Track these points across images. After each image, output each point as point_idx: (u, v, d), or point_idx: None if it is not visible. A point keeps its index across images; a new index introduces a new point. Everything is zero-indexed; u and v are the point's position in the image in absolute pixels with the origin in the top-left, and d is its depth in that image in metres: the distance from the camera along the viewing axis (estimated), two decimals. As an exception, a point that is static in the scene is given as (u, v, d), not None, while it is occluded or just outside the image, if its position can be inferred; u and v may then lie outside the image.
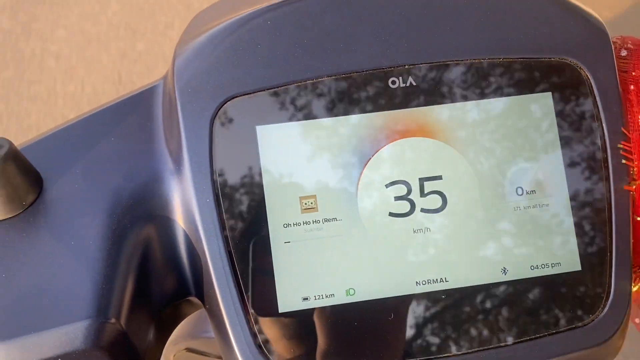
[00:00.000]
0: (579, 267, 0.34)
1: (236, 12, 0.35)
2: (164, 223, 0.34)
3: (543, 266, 0.34)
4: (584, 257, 0.34)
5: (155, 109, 0.36)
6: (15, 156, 0.31)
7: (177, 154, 0.34)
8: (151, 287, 0.34)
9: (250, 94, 0.34)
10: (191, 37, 0.35)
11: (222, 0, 0.40)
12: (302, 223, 0.33)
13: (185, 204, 0.33)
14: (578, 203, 0.35)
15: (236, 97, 0.34)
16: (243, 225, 0.33)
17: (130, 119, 0.36)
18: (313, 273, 0.33)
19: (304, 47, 0.34)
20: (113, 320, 0.31)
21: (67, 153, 0.34)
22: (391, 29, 0.35)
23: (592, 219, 0.35)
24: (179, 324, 0.39)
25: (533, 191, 0.35)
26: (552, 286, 0.34)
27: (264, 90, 0.34)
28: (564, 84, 0.35)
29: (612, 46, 0.38)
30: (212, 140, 0.33)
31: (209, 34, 0.34)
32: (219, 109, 0.33)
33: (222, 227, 0.33)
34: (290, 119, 0.34)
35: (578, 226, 0.35)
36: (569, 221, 0.35)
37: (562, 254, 0.34)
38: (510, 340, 0.33)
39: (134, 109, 0.36)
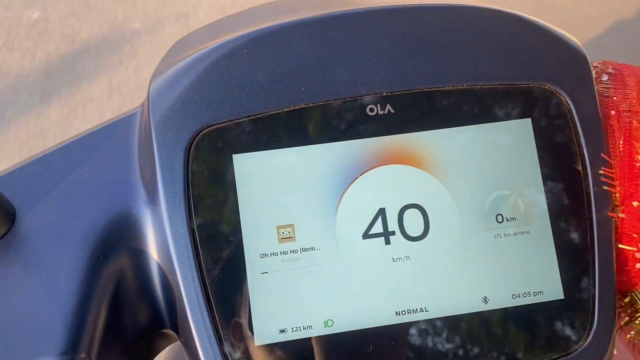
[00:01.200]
0: (561, 296, 0.34)
1: (211, 41, 0.35)
2: (138, 255, 0.33)
3: (525, 295, 0.34)
4: (566, 285, 0.34)
5: (131, 138, 0.36)
6: None
7: (152, 184, 0.33)
8: (124, 320, 0.33)
9: (226, 122, 0.33)
10: (166, 67, 0.35)
11: (200, 29, 0.40)
12: (279, 253, 0.33)
13: (160, 236, 0.33)
14: (560, 230, 0.34)
15: (212, 126, 0.33)
16: (219, 256, 0.32)
17: (105, 148, 0.35)
18: (290, 304, 0.33)
19: (279, 75, 0.34)
20: (83, 355, 0.30)
21: (41, 183, 0.34)
22: (368, 56, 0.35)
23: (574, 246, 0.34)
24: (153, 358, 0.38)
25: (513, 218, 0.34)
26: (535, 315, 0.33)
27: (241, 119, 0.33)
28: (543, 110, 0.35)
29: (593, 71, 0.37)
30: (188, 170, 0.33)
31: (183, 64, 0.34)
32: (195, 139, 0.33)
33: (197, 258, 0.32)
34: (268, 147, 0.34)
35: (560, 254, 0.34)
36: (551, 249, 0.34)
37: (545, 282, 0.34)
38: None
39: (110, 138, 0.36)
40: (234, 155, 0.33)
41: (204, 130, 0.33)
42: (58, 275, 0.31)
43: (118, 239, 0.33)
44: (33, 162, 0.35)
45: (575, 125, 0.35)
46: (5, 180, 0.34)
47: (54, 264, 0.32)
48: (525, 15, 0.37)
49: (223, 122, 0.33)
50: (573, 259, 0.34)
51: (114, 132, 0.36)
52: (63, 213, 0.33)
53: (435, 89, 0.35)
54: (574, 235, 0.34)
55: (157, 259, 0.33)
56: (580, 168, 0.35)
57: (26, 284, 0.31)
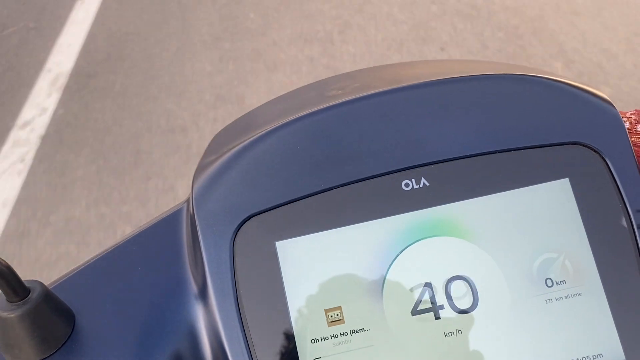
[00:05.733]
0: (623, 357, 0.33)
1: (246, 135, 0.36)
2: (192, 350, 0.34)
3: (584, 359, 0.33)
4: (627, 345, 0.33)
5: (179, 234, 0.37)
6: (47, 298, 0.32)
7: (201, 278, 0.34)
8: None
9: (266, 211, 0.34)
10: (207, 163, 0.36)
11: (236, 121, 0.42)
12: (329, 337, 0.33)
13: (212, 328, 0.33)
14: (612, 288, 0.33)
15: (253, 216, 0.34)
16: (271, 344, 0.33)
17: (155, 247, 0.37)
18: None
19: (313, 160, 0.35)
20: None
21: (97, 288, 0.35)
22: (398, 131, 0.35)
23: (629, 303, 0.33)
24: None
25: (563, 281, 0.34)
26: None
27: (280, 206, 0.34)
28: (580, 168, 0.35)
29: (627, 122, 0.37)
30: (234, 261, 0.34)
31: (223, 160, 0.36)
32: (238, 230, 0.34)
33: (249, 349, 0.33)
34: (309, 232, 0.34)
35: (616, 312, 0.33)
36: (606, 308, 0.33)
37: (604, 344, 0.33)
38: None
39: (158, 237, 0.37)
40: (276, 243, 0.34)
41: (247, 221, 0.34)
42: None
43: (173, 336, 0.34)
44: (87, 267, 0.37)
45: (615, 180, 0.35)
46: (63, 286, 0.36)
47: None
48: (550, 75, 0.37)
49: (263, 211, 0.34)
50: (630, 317, 0.33)
51: (161, 230, 0.37)
52: (119, 315, 0.34)
53: (468, 157, 0.35)
54: (628, 292, 0.33)
55: (211, 352, 0.34)
56: (624, 222, 0.34)
57: None
